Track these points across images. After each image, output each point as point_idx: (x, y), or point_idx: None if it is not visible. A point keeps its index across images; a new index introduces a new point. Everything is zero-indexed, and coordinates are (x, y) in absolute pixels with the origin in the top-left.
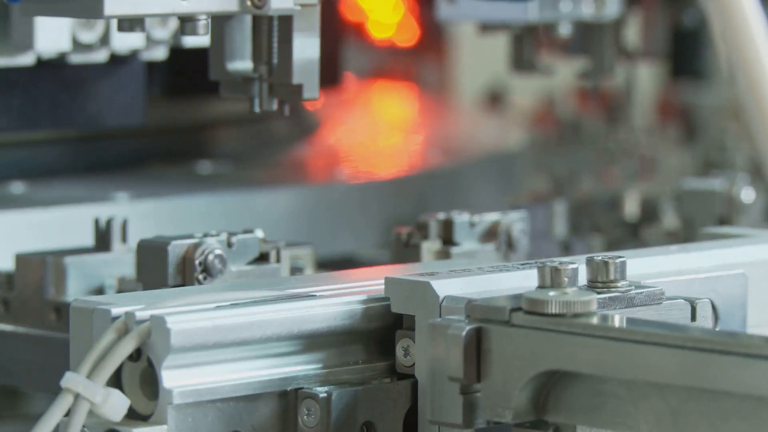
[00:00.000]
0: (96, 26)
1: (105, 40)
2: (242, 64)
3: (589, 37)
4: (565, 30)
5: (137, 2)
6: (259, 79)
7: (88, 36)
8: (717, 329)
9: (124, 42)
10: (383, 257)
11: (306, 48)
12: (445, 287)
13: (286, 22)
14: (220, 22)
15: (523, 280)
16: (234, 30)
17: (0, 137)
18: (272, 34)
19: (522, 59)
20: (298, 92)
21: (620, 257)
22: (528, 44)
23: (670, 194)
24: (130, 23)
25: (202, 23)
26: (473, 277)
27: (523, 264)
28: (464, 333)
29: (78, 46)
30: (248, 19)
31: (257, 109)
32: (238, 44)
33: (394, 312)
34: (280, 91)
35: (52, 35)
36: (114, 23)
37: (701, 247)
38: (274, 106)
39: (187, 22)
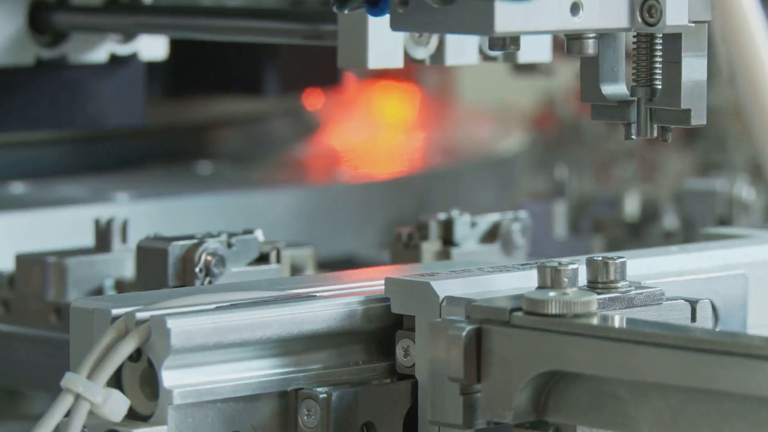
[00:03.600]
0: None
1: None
2: (618, 87)
3: None
4: None
5: (528, 18)
6: (639, 103)
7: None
8: (717, 330)
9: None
10: (383, 257)
11: (694, 70)
12: (445, 288)
13: (673, 41)
14: (596, 41)
15: (523, 281)
16: (609, 49)
17: (0, 137)
18: (656, 54)
19: None
20: (685, 118)
21: (620, 258)
22: None
23: (670, 195)
24: (503, 41)
25: (591, 42)
26: (473, 278)
27: (523, 264)
28: (464, 333)
29: (78, 46)
30: (623, 38)
31: (635, 136)
32: (612, 65)
33: (394, 312)
34: (664, 117)
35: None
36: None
37: (701, 247)
38: (655, 132)
39: (574, 41)
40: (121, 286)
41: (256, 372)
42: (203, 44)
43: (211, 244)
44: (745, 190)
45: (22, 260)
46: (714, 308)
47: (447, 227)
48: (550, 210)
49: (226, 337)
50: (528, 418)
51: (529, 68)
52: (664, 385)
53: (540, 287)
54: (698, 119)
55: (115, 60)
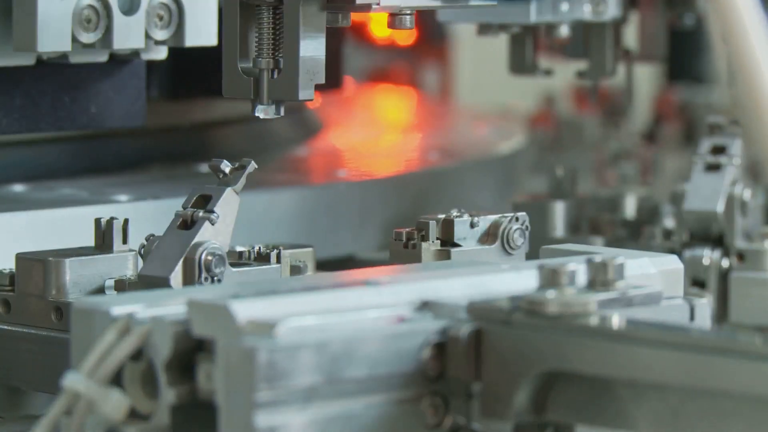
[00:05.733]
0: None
1: (105, 40)
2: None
3: (588, 39)
4: (564, 31)
5: None
6: (261, 78)
7: (89, 36)
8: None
9: (125, 42)
10: (383, 258)
11: (312, 47)
12: (245, 310)
13: (292, 14)
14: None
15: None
16: (253, 23)
17: (1, 138)
18: (279, 26)
19: (522, 61)
20: (293, 92)
21: (619, 258)
22: (528, 46)
23: (669, 195)
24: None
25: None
26: (274, 299)
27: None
28: (465, 333)
29: (78, 46)
30: (267, 13)
31: (258, 114)
32: (251, 40)
33: (195, 336)
34: (276, 91)
35: (53, 36)
36: (115, 22)
37: (533, 265)
38: (275, 110)
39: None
40: (121, 286)
41: None
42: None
43: (211, 243)
44: (744, 191)
45: (22, 260)
46: None
47: (447, 227)
48: (550, 210)
49: None
50: (527, 417)
51: (530, 69)
52: (663, 384)
53: (539, 287)
54: (306, 94)
55: (115, 60)
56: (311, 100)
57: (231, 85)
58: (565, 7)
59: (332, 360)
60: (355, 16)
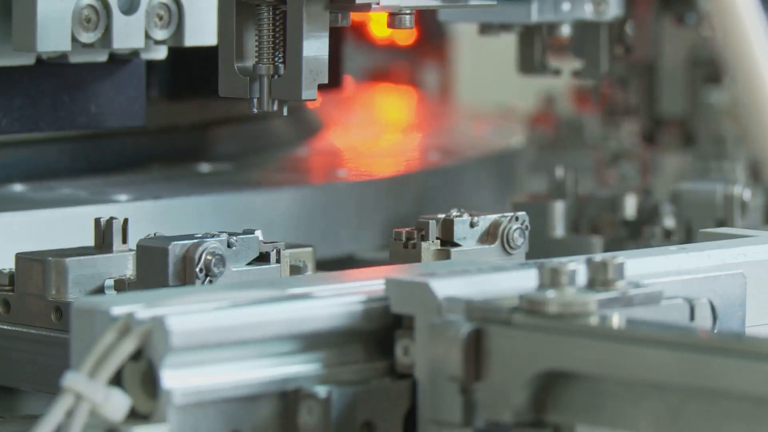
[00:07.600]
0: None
1: (105, 40)
2: (248, 63)
3: (584, 37)
4: (565, 31)
5: None
6: (262, 79)
7: (88, 36)
8: (715, 329)
9: (125, 42)
10: (383, 258)
11: (315, 46)
12: (444, 288)
13: (295, 16)
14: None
15: (523, 281)
16: (249, 26)
17: (1, 138)
18: (278, 30)
19: (531, 61)
20: (297, 92)
21: (619, 257)
22: (537, 45)
23: (669, 195)
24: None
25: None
26: (472, 278)
27: (522, 264)
28: (464, 333)
29: (78, 46)
30: (266, 15)
31: (255, 110)
32: (248, 41)
33: (394, 312)
34: (279, 91)
35: (52, 35)
36: (115, 22)
37: (700, 247)
38: (275, 106)
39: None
40: (121, 286)
41: (256, 371)
42: None
43: (212, 243)
44: (744, 191)
45: (22, 260)
46: (712, 307)
47: (446, 227)
48: (550, 210)
49: (226, 337)
50: (527, 417)
51: (539, 69)
52: (662, 384)
53: (539, 287)
54: (309, 94)
55: (115, 60)
56: (314, 99)
57: (227, 85)
58: (566, 6)
59: None
60: (354, 16)
